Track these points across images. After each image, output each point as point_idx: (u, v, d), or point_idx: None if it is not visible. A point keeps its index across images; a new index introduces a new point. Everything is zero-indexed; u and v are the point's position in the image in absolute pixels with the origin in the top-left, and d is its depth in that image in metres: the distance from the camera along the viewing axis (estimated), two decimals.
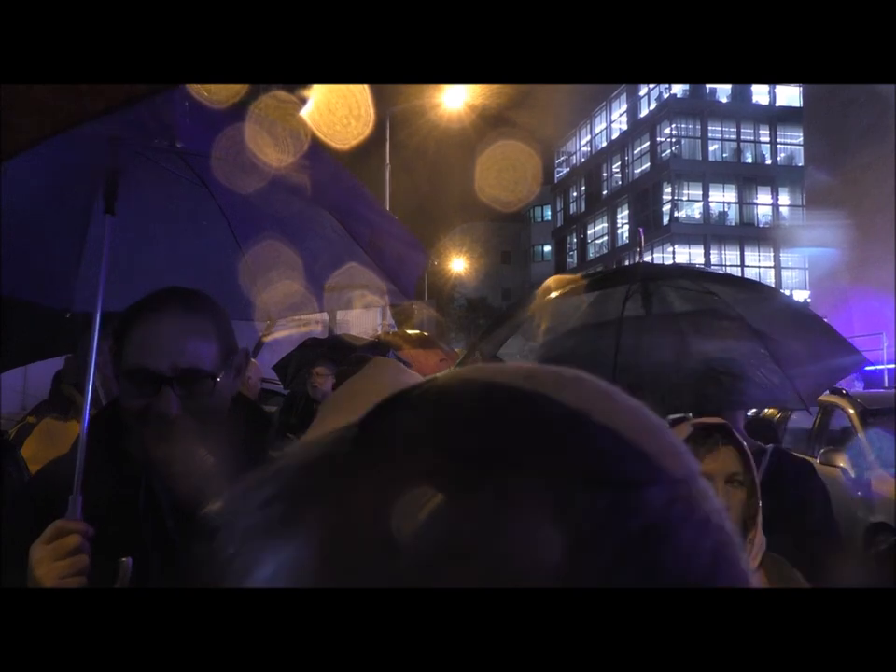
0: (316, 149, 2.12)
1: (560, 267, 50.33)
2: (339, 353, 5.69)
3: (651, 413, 0.42)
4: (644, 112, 44.62)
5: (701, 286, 3.32)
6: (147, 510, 1.52)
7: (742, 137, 43.11)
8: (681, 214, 41.97)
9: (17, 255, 2.09)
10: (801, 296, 32.89)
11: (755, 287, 3.77)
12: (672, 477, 0.38)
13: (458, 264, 39.11)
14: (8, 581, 1.38)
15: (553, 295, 3.42)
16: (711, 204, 42.55)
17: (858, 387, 12.13)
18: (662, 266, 4.50)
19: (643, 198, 43.72)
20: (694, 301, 3.30)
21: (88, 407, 1.58)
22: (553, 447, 0.37)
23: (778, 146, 43.11)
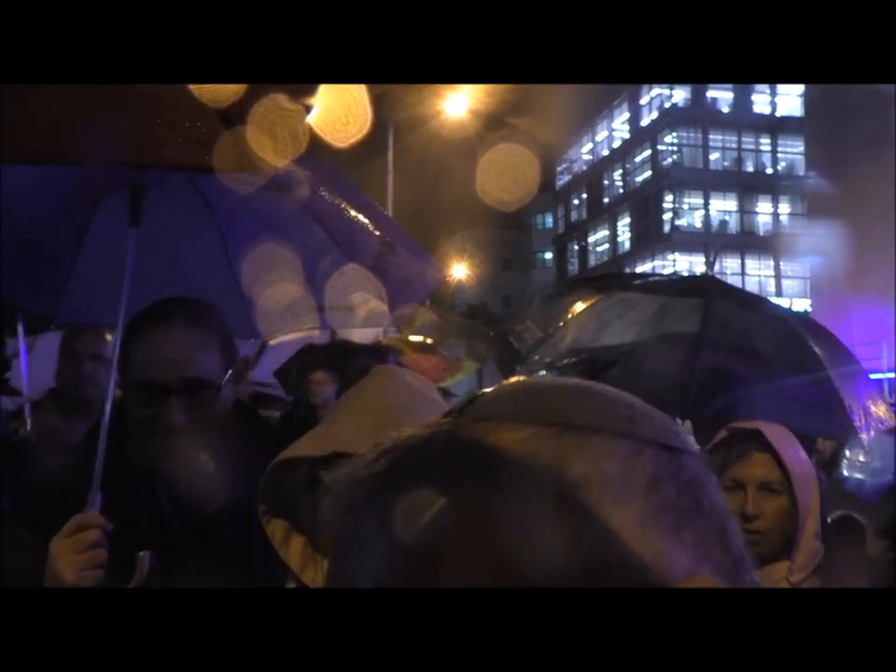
0: (327, 171, 2.12)
1: (561, 274, 50.35)
2: (338, 358, 5.65)
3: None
4: (646, 120, 44.68)
5: (775, 314, 3.39)
6: (146, 513, 1.54)
7: (743, 146, 43.16)
8: (682, 222, 41.99)
9: (10, 258, 2.10)
10: (801, 305, 32.88)
11: (809, 319, 3.89)
12: (693, 448, 0.53)
13: (459, 270, 39.12)
14: (10, 577, 1.40)
15: (613, 295, 3.43)
16: (712, 213, 42.57)
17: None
18: (733, 286, 4.58)
19: (644, 206, 43.75)
20: (769, 327, 3.34)
21: (109, 408, 1.61)
22: (631, 423, 0.51)
23: (779, 155, 43.15)
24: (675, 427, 0.54)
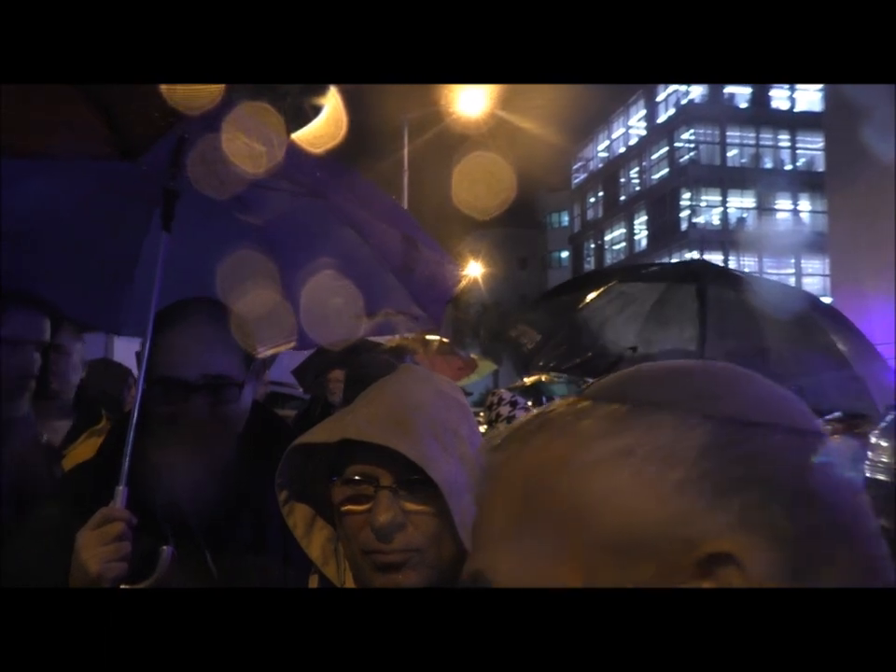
0: (347, 172, 2.12)
1: (577, 273, 50.24)
2: (356, 357, 5.65)
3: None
4: (662, 117, 44.48)
5: (774, 291, 3.42)
6: (165, 509, 1.56)
7: (761, 143, 42.87)
8: (700, 220, 41.77)
9: (68, 271, 2.10)
10: None
11: (814, 298, 3.92)
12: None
13: (475, 269, 39.08)
14: (34, 573, 1.42)
15: (612, 284, 3.42)
16: (730, 210, 42.32)
17: None
18: (727, 268, 4.59)
19: (661, 204, 43.56)
20: (769, 304, 3.33)
21: (137, 406, 1.63)
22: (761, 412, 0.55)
23: (798, 151, 42.82)
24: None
